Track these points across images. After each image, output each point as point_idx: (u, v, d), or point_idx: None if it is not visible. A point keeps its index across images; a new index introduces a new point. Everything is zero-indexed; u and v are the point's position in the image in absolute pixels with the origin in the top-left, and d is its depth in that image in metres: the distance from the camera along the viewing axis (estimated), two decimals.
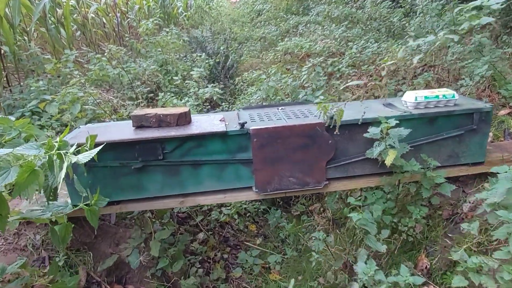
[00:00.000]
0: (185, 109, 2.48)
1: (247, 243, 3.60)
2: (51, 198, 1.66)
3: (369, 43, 4.51)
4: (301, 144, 2.45)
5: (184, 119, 2.44)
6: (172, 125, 2.42)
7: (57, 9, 5.52)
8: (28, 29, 4.79)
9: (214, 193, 2.53)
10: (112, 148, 2.26)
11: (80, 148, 1.71)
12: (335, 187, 2.69)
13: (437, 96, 2.65)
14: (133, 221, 2.98)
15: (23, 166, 1.41)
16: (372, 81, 3.64)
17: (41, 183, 1.45)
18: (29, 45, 4.30)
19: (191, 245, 3.29)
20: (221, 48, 6.61)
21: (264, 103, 4.16)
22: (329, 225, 3.51)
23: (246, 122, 2.38)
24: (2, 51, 4.11)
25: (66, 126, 3.67)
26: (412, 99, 2.66)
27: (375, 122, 2.44)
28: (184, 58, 6.15)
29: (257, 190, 2.50)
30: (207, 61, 5.74)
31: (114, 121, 3.68)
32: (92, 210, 1.83)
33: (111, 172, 2.33)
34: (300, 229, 3.67)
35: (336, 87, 3.73)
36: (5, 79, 4.16)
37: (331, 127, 2.43)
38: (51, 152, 1.49)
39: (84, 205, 1.90)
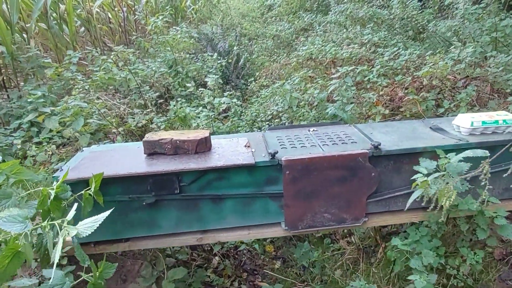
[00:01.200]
0: (205, 133, 2.13)
1: (265, 271, 3.26)
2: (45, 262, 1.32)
3: (401, 49, 4.11)
4: (340, 176, 2.12)
5: (204, 145, 2.09)
6: (190, 153, 2.08)
7: (60, 4, 5.15)
8: (27, 26, 4.41)
9: (237, 229, 2.20)
10: (121, 180, 1.92)
11: (84, 192, 1.37)
12: (374, 222, 2.36)
13: (496, 122, 2.30)
14: (142, 253, 2.65)
15: (3, 250, 1.07)
16: (408, 94, 3.27)
17: (30, 261, 1.11)
18: (28, 46, 3.93)
19: (205, 273, 2.96)
20: (234, 48, 6.22)
21: (285, 114, 3.80)
22: (357, 254, 3.17)
23: (277, 152, 2.03)
24: None
25: (68, 139, 3.41)
26: (467, 124, 2.31)
27: (426, 152, 2.13)
28: (195, 58, 5.77)
29: (286, 228, 2.17)
30: (218, 61, 5.36)
31: (121, 133, 3.34)
32: (96, 285, 1.49)
33: (120, 207, 2.00)
34: (325, 255, 3.33)
35: (367, 100, 3.35)
36: (1, 83, 3.80)
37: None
38: (43, 224, 1.14)
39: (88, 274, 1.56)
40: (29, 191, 1.56)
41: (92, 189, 1.43)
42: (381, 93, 3.61)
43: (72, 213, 1.25)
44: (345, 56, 4.07)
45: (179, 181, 1.98)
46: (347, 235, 3.50)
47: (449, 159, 2.00)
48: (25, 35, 4.39)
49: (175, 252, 2.81)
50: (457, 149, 2.13)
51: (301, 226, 2.19)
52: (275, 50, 7.41)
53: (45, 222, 1.18)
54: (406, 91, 3.35)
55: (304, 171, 2.06)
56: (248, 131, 4.22)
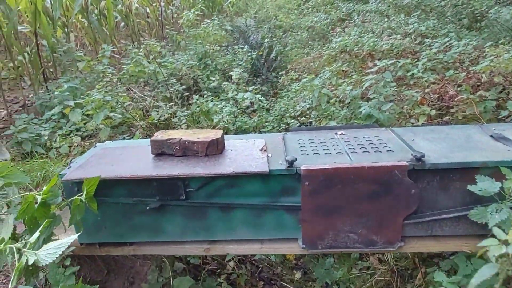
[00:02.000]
0: (217, 134, 1.92)
1: (283, 283, 3.03)
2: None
3: (453, 40, 3.60)
4: (370, 192, 1.78)
5: (215, 147, 1.89)
6: (200, 155, 1.88)
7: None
8: (68, 22, 4.55)
9: (248, 242, 1.98)
10: (125, 182, 1.78)
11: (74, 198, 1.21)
12: (412, 247, 1.97)
13: None
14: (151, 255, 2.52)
15: None
16: (462, 92, 2.81)
17: None
18: (65, 41, 4.07)
19: (218, 280, 2.78)
20: (265, 40, 5.96)
21: (313, 111, 3.50)
22: (390, 276, 2.82)
23: (295, 159, 1.78)
24: (40, 46, 3.92)
25: (92, 132, 3.44)
26: None
27: (484, 168, 1.72)
28: (226, 50, 5.60)
29: (304, 246, 1.90)
30: (249, 54, 5.14)
31: (142, 127, 3.25)
32: None
33: (124, 210, 1.86)
34: (351, 274, 3.02)
35: (409, 98, 2.96)
36: (42, 75, 3.95)
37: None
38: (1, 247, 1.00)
39: None
40: (22, 194, 1.43)
41: (84, 195, 1.28)
42: (427, 90, 3.16)
43: (36, 235, 1.10)
44: (385, 48, 3.66)
45: (186, 186, 1.79)
46: (380, 253, 3.14)
47: None
48: (66, 30, 4.55)
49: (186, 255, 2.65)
50: None
51: (321, 246, 1.90)
52: (310, 42, 7.06)
53: (2, 245, 1.04)
54: (459, 88, 2.90)
55: (327, 183, 1.77)
56: (276, 127, 3.97)
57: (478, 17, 4.17)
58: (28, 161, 3.57)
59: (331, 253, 2.02)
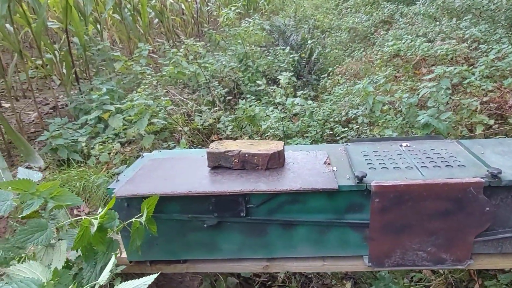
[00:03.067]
0: (278, 146, 1.82)
1: None
2: None
3: (507, 45, 3.40)
4: (442, 209, 1.69)
5: (276, 160, 1.79)
6: (261, 169, 1.79)
7: None
8: (101, 18, 4.41)
9: (309, 259, 1.88)
10: (180, 198, 1.71)
11: (133, 221, 1.14)
12: (480, 265, 1.88)
13: None
14: None
15: None
16: None
17: None
18: (98, 38, 3.89)
19: None
20: (308, 41, 5.80)
21: (364, 118, 3.35)
22: None
23: (366, 175, 1.66)
24: (71, 44, 3.73)
25: (133, 137, 3.31)
26: None
27: None
28: (266, 51, 5.48)
29: (370, 264, 1.80)
30: (291, 56, 5.01)
31: (187, 133, 3.16)
32: None
33: (178, 226, 1.79)
34: (405, 285, 2.86)
35: (467, 107, 2.78)
36: (74, 75, 3.81)
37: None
38: None
39: None
40: (75, 219, 1.33)
41: (144, 217, 1.20)
42: (485, 99, 2.99)
43: (104, 275, 1.01)
44: (440, 53, 3.46)
45: (246, 202, 1.71)
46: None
47: None
48: (98, 27, 4.40)
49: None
50: None
51: (387, 264, 1.81)
52: (350, 44, 6.85)
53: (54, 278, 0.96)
54: None
55: (398, 199, 1.67)
56: (319, 132, 3.84)
57: None
58: (64, 169, 3.32)
59: (398, 270, 1.89)
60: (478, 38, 3.85)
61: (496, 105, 2.97)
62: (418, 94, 2.86)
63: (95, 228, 1.09)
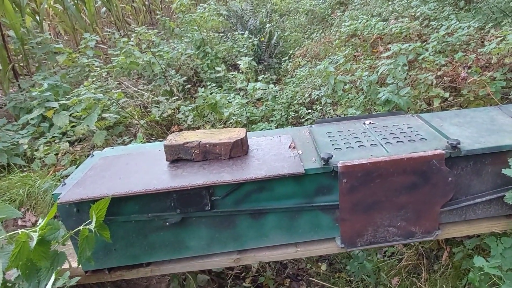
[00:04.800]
0: (240, 133, 1.73)
1: (311, 278, 2.90)
2: None
3: (455, 22, 3.50)
4: (409, 183, 1.70)
5: (240, 148, 1.70)
6: (223, 158, 1.70)
7: None
8: (39, 8, 4.03)
9: (282, 247, 1.83)
10: (138, 197, 1.58)
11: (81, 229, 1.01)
12: (447, 234, 1.94)
13: None
14: None
15: None
16: (472, 74, 2.72)
17: None
18: (37, 30, 3.52)
19: (243, 285, 2.64)
20: (266, 25, 5.69)
21: (327, 99, 3.33)
22: (417, 259, 2.73)
23: (331, 156, 1.61)
24: (6, 37, 3.36)
25: (83, 137, 3.04)
26: None
27: None
28: (224, 37, 5.31)
29: (343, 245, 1.77)
30: (250, 40, 4.89)
31: (143, 126, 2.98)
32: None
33: (138, 228, 1.67)
34: (378, 260, 2.91)
35: (424, 82, 2.83)
36: (12, 71, 3.44)
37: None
38: None
39: None
40: (10, 233, 1.14)
41: (94, 224, 1.06)
42: (439, 73, 3.07)
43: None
44: (394, 31, 3.49)
45: (211, 195, 1.61)
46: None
47: None
48: (38, 18, 4.02)
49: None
50: None
51: (360, 243, 1.79)
52: (309, 26, 6.84)
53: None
54: (469, 70, 2.80)
55: (365, 178, 1.64)
56: (284, 115, 3.79)
57: None
58: (4, 176, 2.98)
59: (371, 248, 1.89)
60: (428, 16, 3.95)
61: (449, 79, 3.06)
62: (377, 72, 2.87)
63: (34, 242, 0.95)
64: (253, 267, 2.72)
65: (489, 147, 1.69)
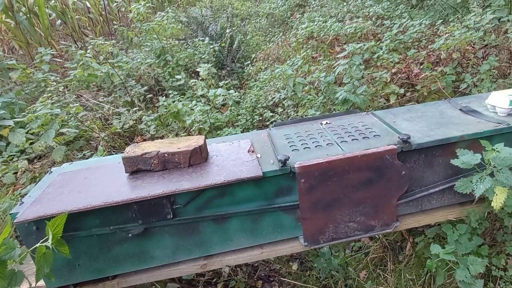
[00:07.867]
0: (199, 140, 1.75)
1: (282, 278, 2.94)
2: None
3: (407, 20, 3.67)
4: (364, 179, 1.77)
5: (199, 156, 1.72)
6: (183, 166, 1.71)
7: None
8: None
9: (247, 249, 1.86)
10: (98, 211, 1.56)
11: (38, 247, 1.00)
12: (406, 225, 2.03)
13: None
14: None
15: None
16: (424, 70, 2.87)
17: None
18: None
19: None
20: (226, 30, 5.72)
21: (288, 100, 3.40)
22: (383, 252, 2.84)
23: (288, 158, 1.66)
24: None
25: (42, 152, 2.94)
26: (504, 103, 1.99)
27: (462, 142, 1.82)
28: (185, 44, 5.29)
29: (306, 244, 1.83)
30: (211, 46, 4.90)
31: (104, 139, 2.92)
32: None
33: (100, 241, 1.65)
34: (346, 255, 3.00)
35: (379, 79, 2.95)
36: None
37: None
38: None
39: None
40: None
41: (50, 241, 1.05)
42: (393, 70, 3.21)
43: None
44: (349, 32, 3.63)
45: (172, 203, 1.62)
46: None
47: (499, 151, 1.64)
48: None
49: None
50: (497, 134, 1.83)
51: (322, 240, 1.85)
52: (270, 29, 6.94)
53: None
54: (421, 66, 2.95)
55: (323, 177, 1.70)
56: (249, 119, 3.83)
57: None
58: None
59: (334, 244, 1.95)
60: (381, 15, 4.12)
61: (404, 75, 3.20)
62: (334, 72, 2.96)
63: None
64: (224, 271, 2.72)
65: (438, 140, 1.78)
